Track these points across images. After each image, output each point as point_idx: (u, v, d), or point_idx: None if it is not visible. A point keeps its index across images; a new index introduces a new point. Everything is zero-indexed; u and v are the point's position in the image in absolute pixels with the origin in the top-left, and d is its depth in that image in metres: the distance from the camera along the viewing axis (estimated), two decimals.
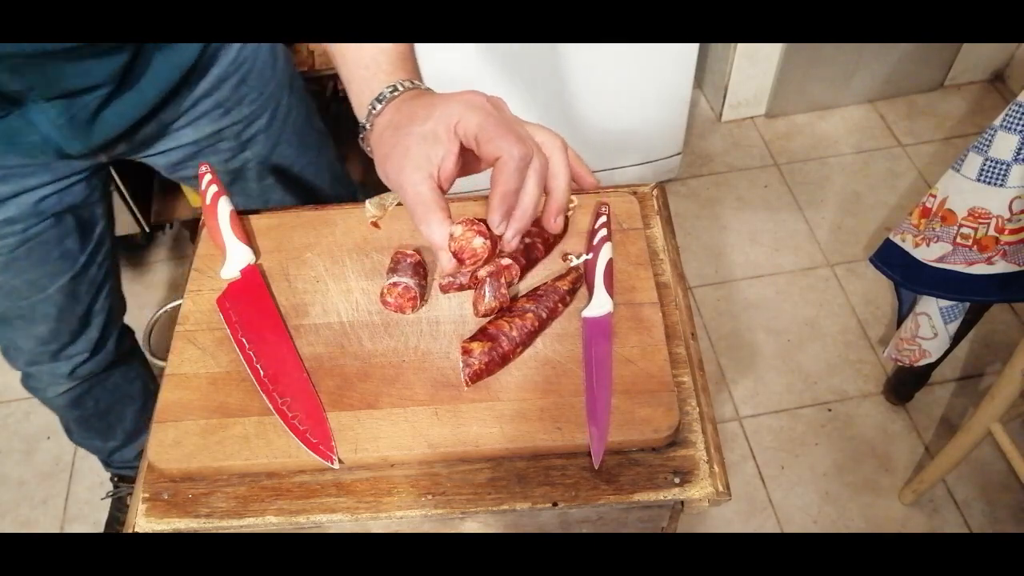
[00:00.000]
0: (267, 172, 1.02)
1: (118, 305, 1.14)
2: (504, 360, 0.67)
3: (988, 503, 1.49)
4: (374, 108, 0.63)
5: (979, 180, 1.08)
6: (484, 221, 0.59)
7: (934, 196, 1.16)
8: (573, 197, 0.77)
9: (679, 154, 1.95)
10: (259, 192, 1.04)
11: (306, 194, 1.08)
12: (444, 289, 0.73)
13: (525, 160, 0.55)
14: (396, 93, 0.62)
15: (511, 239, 0.57)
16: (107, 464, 1.43)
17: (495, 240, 0.59)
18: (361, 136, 0.65)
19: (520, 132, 0.55)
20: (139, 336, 1.27)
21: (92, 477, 1.62)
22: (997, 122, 1.03)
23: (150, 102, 0.85)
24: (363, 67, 0.64)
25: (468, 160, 0.59)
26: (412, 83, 0.63)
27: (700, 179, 2.06)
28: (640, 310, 0.71)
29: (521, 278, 0.73)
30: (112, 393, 1.22)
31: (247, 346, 0.69)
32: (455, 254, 0.60)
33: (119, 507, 1.53)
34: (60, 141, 0.82)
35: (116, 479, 1.51)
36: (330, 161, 1.11)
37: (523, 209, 0.56)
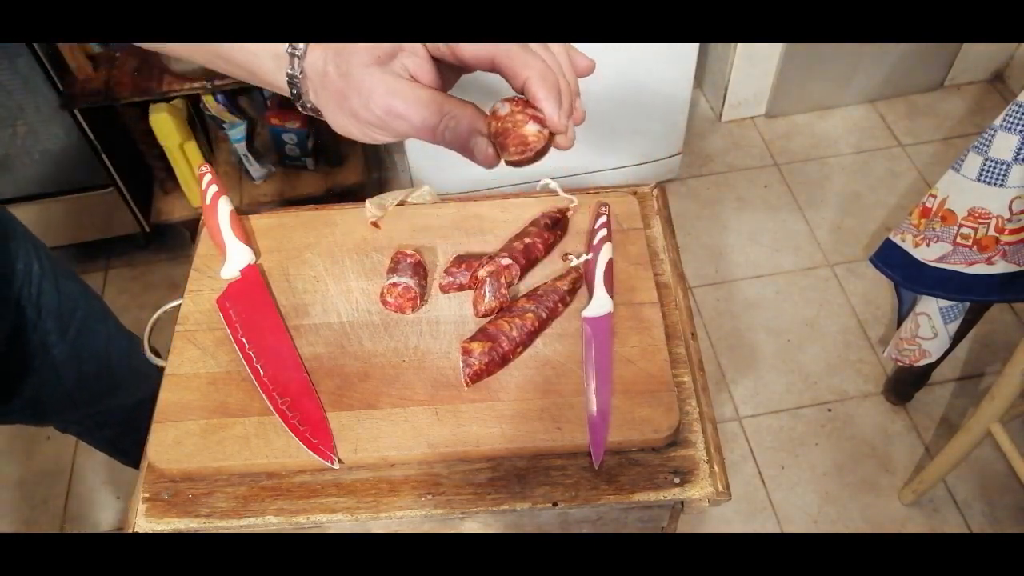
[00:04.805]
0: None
1: None
2: (504, 360, 0.67)
3: (988, 503, 1.49)
4: (296, 51, 0.48)
5: (979, 180, 1.08)
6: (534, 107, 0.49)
7: (934, 196, 1.16)
8: (572, 197, 0.77)
9: (679, 154, 1.95)
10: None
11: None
12: (444, 289, 0.73)
13: (551, 67, 0.47)
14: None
15: (572, 136, 0.50)
16: None
17: (550, 132, 0.50)
18: (295, 92, 0.51)
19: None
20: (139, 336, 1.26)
21: (92, 477, 1.62)
22: (997, 122, 1.03)
23: None
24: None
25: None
26: None
27: (700, 179, 2.06)
28: (640, 310, 0.71)
29: (521, 278, 0.73)
30: None
31: (247, 346, 0.69)
32: (495, 137, 0.47)
33: None
34: None
35: None
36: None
37: (577, 104, 0.49)
